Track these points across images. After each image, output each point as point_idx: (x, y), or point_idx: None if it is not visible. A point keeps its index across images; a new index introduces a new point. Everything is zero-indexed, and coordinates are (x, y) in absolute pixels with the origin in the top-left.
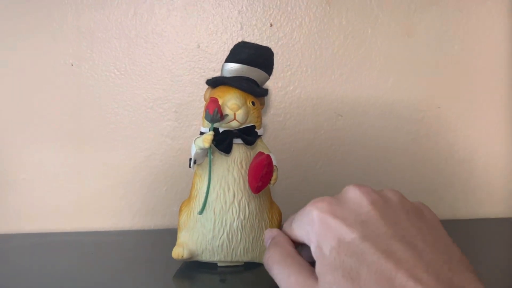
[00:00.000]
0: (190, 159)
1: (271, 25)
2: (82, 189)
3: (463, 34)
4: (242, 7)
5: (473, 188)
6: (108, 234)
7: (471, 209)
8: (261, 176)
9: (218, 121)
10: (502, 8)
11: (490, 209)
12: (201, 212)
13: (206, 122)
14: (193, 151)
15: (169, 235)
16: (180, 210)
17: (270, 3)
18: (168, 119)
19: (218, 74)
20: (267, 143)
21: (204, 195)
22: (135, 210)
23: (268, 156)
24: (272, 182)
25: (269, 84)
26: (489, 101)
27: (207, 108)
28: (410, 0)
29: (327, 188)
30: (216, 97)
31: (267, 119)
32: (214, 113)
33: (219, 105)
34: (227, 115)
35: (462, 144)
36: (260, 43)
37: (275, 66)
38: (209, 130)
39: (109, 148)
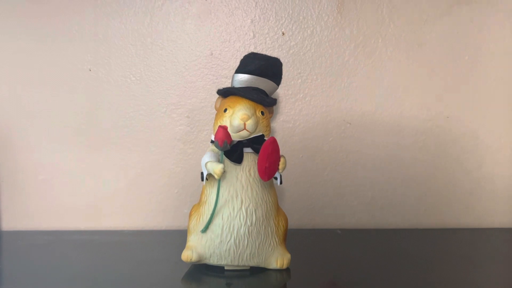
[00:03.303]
0: (202, 173)
1: (283, 33)
2: (96, 190)
3: (474, 45)
4: (255, 16)
5: (479, 197)
6: (120, 234)
7: (477, 218)
8: (267, 155)
9: (228, 149)
10: None
11: (496, 218)
12: (203, 231)
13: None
14: (205, 171)
15: (179, 236)
16: (190, 215)
17: (282, 12)
18: (181, 124)
19: (230, 81)
20: None
21: (212, 207)
22: (147, 211)
23: (272, 137)
24: (280, 166)
25: (280, 92)
26: (497, 112)
27: (216, 139)
28: (422, 10)
29: (334, 195)
30: (227, 107)
31: (277, 125)
32: (224, 145)
33: (228, 134)
34: (235, 141)
35: (469, 153)
36: (271, 52)
37: (286, 73)
38: (219, 155)
39: (124, 151)
